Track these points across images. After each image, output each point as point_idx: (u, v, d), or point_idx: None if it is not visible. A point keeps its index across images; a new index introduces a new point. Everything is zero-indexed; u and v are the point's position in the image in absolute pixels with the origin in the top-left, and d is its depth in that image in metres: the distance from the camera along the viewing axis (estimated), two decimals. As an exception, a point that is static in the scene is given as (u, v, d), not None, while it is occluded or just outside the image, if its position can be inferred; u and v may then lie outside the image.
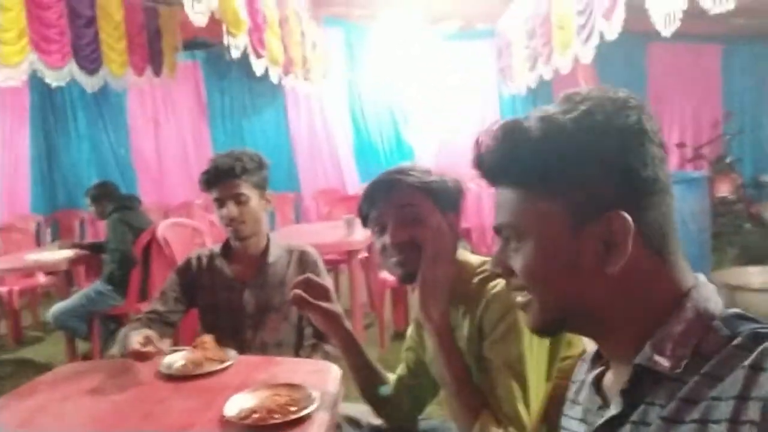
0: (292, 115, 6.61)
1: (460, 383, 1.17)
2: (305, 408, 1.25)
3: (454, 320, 1.22)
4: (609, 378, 0.79)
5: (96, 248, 4.09)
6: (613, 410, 0.70)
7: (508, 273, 0.77)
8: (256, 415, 1.25)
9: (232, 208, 1.91)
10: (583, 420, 0.80)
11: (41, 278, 4.84)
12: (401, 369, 1.51)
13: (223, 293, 1.97)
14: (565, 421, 0.86)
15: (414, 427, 1.52)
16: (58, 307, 3.68)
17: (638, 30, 3.25)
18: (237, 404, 1.31)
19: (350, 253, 3.63)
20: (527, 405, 1.13)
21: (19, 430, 1.36)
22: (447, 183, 1.29)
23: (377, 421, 1.55)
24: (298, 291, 1.35)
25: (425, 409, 1.56)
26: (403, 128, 6.50)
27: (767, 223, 5.91)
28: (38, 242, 5.66)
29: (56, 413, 1.45)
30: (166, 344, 1.72)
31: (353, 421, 1.63)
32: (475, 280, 1.21)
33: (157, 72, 5.21)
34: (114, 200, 3.96)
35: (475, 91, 6.15)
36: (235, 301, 1.95)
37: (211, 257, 2.01)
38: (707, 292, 0.71)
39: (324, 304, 1.37)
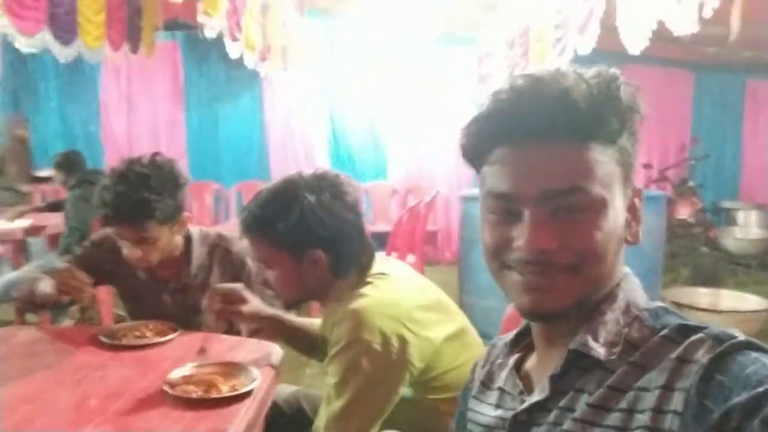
0: (267, 104, 6.57)
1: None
2: (245, 385, 1.26)
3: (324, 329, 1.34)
4: (531, 364, 0.78)
5: (55, 207, 4.01)
6: (539, 395, 0.69)
7: (551, 251, 0.64)
8: (193, 389, 1.25)
9: (135, 251, 1.70)
10: (498, 405, 0.78)
11: (-3, 247, 4.73)
12: None
13: (142, 290, 1.85)
14: (474, 404, 0.84)
15: None
16: (9, 276, 3.61)
17: (615, 50, 3.33)
18: (177, 376, 1.31)
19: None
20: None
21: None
22: (302, 225, 1.26)
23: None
24: (215, 309, 1.45)
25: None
26: (379, 127, 6.52)
27: (722, 248, 6.09)
28: (-3, 211, 5.53)
29: (-12, 373, 1.43)
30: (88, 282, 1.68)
31: (288, 402, 1.65)
32: (345, 300, 1.26)
33: (135, 49, 5.11)
34: (78, 172, 3.90)
35: (453, 96, 6.20)
36: (156, 300, 1.84)
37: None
38: (635, 284, 0.72)
39: (242, 308, 1.46)
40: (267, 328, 1.53)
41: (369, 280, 1.30)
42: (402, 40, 5.81)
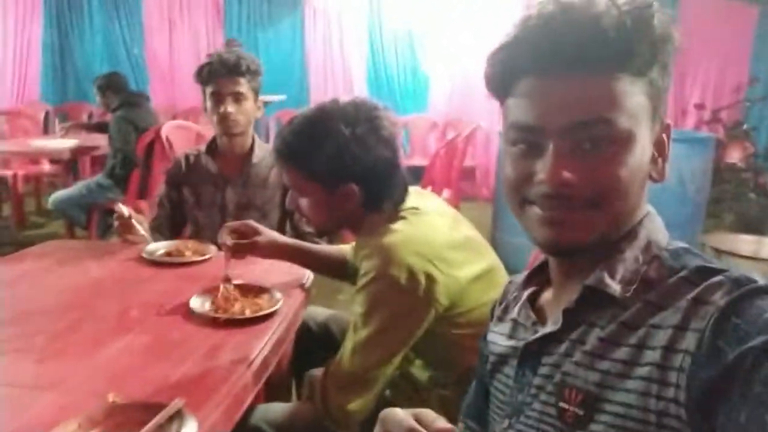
0: (308, 30, 6.47)
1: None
2: (268, 308, 1.31)
3: (355, 258, 1.35)
4: (546, 298, 0.79)
5: (103, 128, 4.09)
6: (552, 327, 0.70)
7: (573, 185, 0.63)
8: (215, 310, 1.31)
9: (230, 105, 1.93)
10: (511, 336, 0.80)
11: (46, 166, 4.92)
12: None
13: (207, 189, 2.02)
14: (490, 336, 0.86)
15: None
16: (59, 194, 3.76)
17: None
18: (202, 298, 1.37)
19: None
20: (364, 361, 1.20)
21: None
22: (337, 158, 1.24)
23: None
24: (227, 243, 1.46)
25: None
26: (420, 54, 6.36)
27: (772, 195, 5.87)
28: (46, 131, 5.70)
29: (36, 282, 1.53)
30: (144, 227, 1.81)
31: (319, 325, 1.72)
32: (377, 234, 1.24)
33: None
34: (121, 94, 3.95)
35: (498, 24, 5.97)
36: (217, 197, 2.01)
37: (198, 156, 2.06)
38: (658, 223, 0.71)
39: (257, 239, 1.49)
40: (285, 258, 1.55)
41: (402, 214, 1.29)
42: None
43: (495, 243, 3.45)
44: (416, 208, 1.31)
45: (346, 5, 6.04)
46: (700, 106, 6.36)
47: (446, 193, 3.98)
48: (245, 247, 1.48)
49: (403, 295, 1.17)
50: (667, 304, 0.61)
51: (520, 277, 0.87)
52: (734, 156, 5.95)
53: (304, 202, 1.33)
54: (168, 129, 3.68)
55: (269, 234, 1.52)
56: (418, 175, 3.78)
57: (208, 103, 1.97)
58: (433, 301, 1.19)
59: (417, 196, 1.37)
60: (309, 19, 6.42)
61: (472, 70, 6.15)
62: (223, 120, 1.95)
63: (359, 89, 6.28)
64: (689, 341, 0.57)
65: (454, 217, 1.40)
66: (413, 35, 6.29)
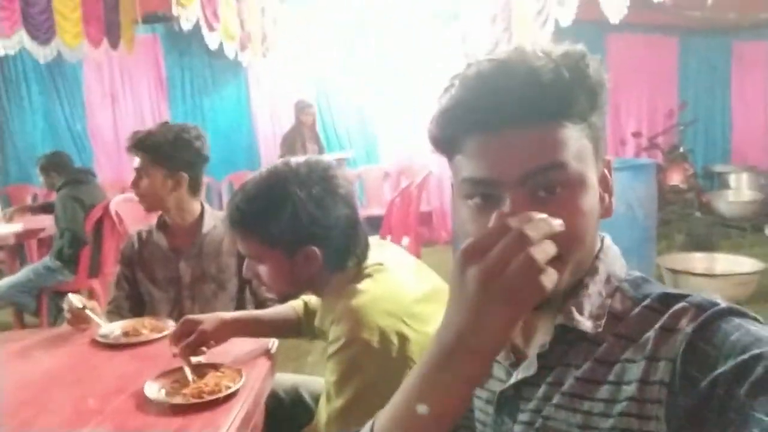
0: (254, 93, 6.53)
1: None
2: (228, 388, 1.24)
3: (322, 323, 1.29)
4: (520, 334, 0.76)
5: (49, 208, 3.97)
6: (526, 372, 0.69)
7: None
8: (176, 396, 1.24)
9: (133, 181, 1.92)
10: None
11: (-11, 253, 4.71)
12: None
13: (160, 265, 1.97)
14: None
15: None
16: (5, 281, 3.60)
17: (596, 20, 3.30)
18: (158, 383, 1.29)
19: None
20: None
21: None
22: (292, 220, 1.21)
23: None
24: (179, 350, 1.37)
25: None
26: (367, 109, 6.48)
27: (716, 212, 6.12)
28: (-12, 217, 5.49)
29: (-15, 378, 1.43)
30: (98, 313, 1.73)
31: (288, 392, 1.66)
32: (343, 295, 1.21)
33: (114, 45, 5.05)
34: (65, 172, 3.85)
35: (440, 74, 6.16)
36: (171, 271, 1.95)
37: (150, 232, 2.02)
38: (613, 253, 0.72)
39: (202, 328, 1.39)
40: (239, 333, 1.48)
41: (367, 272, 1.26)
42: (387, 17, 5.74)
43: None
44: (380, 264, 1.29)
45: (287, 67, 6.13)
46: (637, 135, 6.65)
47: (406, 240, 4.00)
48: (195, 343, 1.38)
49: (376, 359, 1.13)
50: (636, 335, 0.62)
51: None
52: (675, 178, 6.21)
53: (262, 269, 1.27)
54: (117, 204, 3.60)
55: (212, 318, 1.43)
56: (375, 225, 3.78)
57: None
58: (407, 360, 1.16)
59: (378, 249, 1.35)
60: (253, 83, 6.49)
61: (418, 120, 6.30)
62: (138, 197, 1.95)
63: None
64: (662, 372, 0.58)
65: (417, 266, 1.39)
66: (358, 89, 6.41)
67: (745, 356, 0.53)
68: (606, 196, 0.71)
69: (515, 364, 0.74)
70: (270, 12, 4.51)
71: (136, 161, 1.90)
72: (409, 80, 6.22)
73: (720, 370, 0.53)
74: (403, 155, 6.42)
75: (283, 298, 1.46)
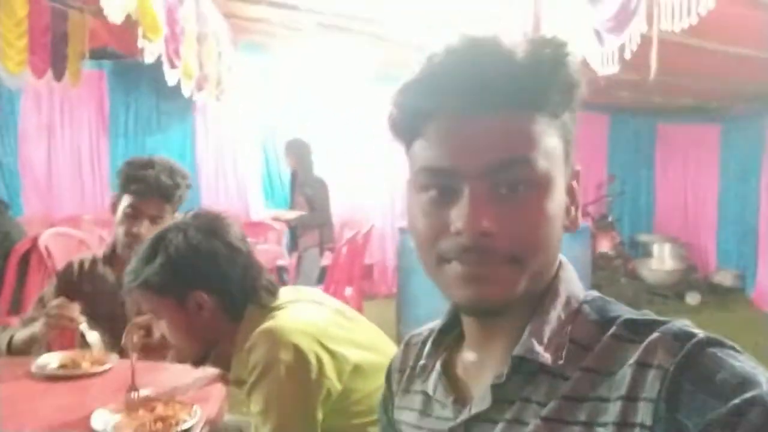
0: (200, 138, 6.45)
1: None
2: (185, 421, 1.21)
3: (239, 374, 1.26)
4: (463, 364, 0.70)
5: None
6: (480, 406, 0.63)
7: (491, 235, 0.57)
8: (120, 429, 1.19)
9: (145, 227, 1.81)
10: (424, 412, 0.71)
11: None
12: None
13: (104, 299, 1.85)
14: (399, 414, 0.77)
15: None
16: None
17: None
18: (105, 416, 1.23)
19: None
20: None
21: None
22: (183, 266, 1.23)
23: None
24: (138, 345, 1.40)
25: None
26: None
27: (641, 279, 6.43)
28: None
29: None
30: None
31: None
32: (257, 325, 1.22)
33: (59, 77, 4.91)
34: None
35: (386, 131, 6.32)
36: (117, 308, 1.84)
37: (94, 262, 1.91)
38: (571, 273, 0.66)
39: None
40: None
41: (279, 305, 1.27)
42: (336, 78, 5.89)
43: (401, 338, 3.44)
44: (294, 301, 1.30)
45: (237, 114, 6.14)
46: (569, 202, 6.97)
47: (349, 290, 3.98)
48: (157, 344, 1.38)
49: (295, 382, 1.14)
50: (608, 370, 0.57)
51: (419, 337, 0.78)
52: (605, 245, 6.52)
53: (163, 326, 1.27)
54: (47, 238, 3.42)
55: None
56: (320, 276, 3.75)
57: (120, 214, 1.85)
58: (326, 380, 1.17)
59: (293, 292, 1.36)
60: (200, 127, 6.44)
61: (362, 173, 6.40)
62: (134, 240, 1.81)
63: (254, 197, 6.29)
64: (643, 413, 0.52)
65: (341, 306, 1.39)
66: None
67: (737, 401, 0.48)
68: (573, 208, 0.65)
69: (459, 400, 0.66)
70: (226, 58, 4.55)
71: (165, 210, 1.85)
72: (355, 135, 6.36)
73: (710, 416, 0.49)
74: (347, 207, 6.46)
75: (195, 362, 1.34)
